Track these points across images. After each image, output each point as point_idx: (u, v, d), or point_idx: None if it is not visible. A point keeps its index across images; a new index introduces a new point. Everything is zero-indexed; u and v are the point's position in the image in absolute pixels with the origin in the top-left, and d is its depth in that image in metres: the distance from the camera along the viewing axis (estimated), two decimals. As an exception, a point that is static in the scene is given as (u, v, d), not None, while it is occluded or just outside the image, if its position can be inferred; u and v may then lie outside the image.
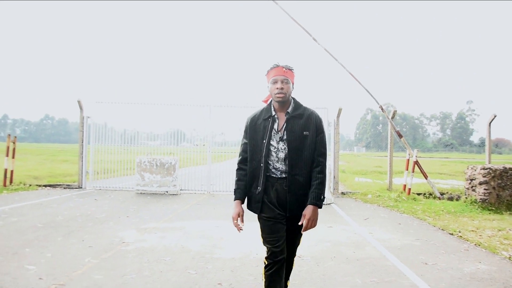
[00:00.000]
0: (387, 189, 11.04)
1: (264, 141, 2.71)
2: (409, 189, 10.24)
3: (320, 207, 2.69)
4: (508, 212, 8.47)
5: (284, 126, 2.72)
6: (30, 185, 11.04)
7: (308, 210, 2.65)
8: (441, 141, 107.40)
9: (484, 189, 8.99)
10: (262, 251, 4.78)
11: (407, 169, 10.65)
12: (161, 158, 10.47)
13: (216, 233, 5.84)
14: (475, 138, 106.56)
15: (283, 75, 2.72)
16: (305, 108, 2.81)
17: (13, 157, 10.89)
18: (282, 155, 2.70)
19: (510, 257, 4.93)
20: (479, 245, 5.54)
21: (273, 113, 2.77)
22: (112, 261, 4.30)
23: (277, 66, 2.76)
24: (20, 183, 11.15)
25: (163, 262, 4.33)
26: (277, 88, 2.70)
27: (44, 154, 31.82)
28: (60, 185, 11.37)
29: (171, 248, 4.92)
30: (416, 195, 10.26)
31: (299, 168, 2.67)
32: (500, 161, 41.53)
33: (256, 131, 2.78)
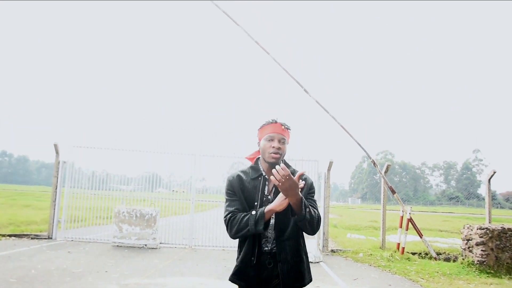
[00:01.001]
0: (380, 248, 11.62)
1: (256, 203, 2.64)
2: (403, 248, 10.85)
3: (300, 210, 2.52)
4: (508, 276, 9.03)
5: (275, 189, 2.65)
6: (-8, 234, 11.35)
7: (297, 183, 2.48)
8: (445, 194, 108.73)
9: (482, 250, 9.62)
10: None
11: (401, 227, 11.30)
12: (141, 209, 10.98)
13: (200, 292, 6.33)
14: (483, 191, 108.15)
15: (281, 134, 2.69)
16: (295, 170, 2.74)
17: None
18: (272, 221, 2.63)
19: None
20: (470, 310, 6.12)
21: (263, 172, 2.73)
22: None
23: (276, 122, 2.73)
24: (-15, 232, 11.47)
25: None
26: (273, 147, 2.65)
27: (2, 197, 31.79)
28: (27, 235, 11.70)
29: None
30: (411, 255, 10.85)
31: (288, 233, 2.62)
32: (510, 217, 42.55)
33: (245, 192, 2.69)
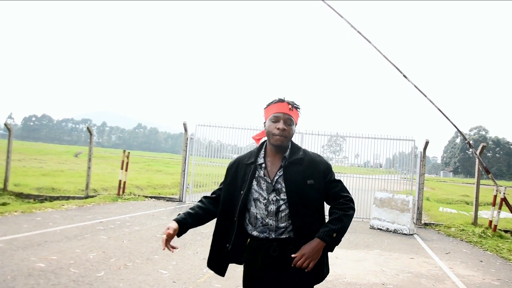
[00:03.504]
0: (472, 223, 11.00)
1: (242, 191, 2.24)
2: (495, 225, 10.16)
3: (329, 247, 2.19)
4: None
5: (280, 174, 2.23)
6: (138, 195, 12.70)
7: (310, 243, 2.15)
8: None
9: None
10: (351, 276, 5.47)
11: (494, 205, 10.56)
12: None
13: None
14: None
15: (288, 114, 2.26)
16: (305, 152, 2.34)
17: (126, 170, 12.63)
18: (273, 207, 2.20)
19: None
20: None
21: (260, 160, 2.31)
22: (226, 273, 5.26)
23: (282, 101, 2.30)
24: (131, 193, 12.86)
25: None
26: (277, 129, 2.23)
27: (139, 163, 34.97)
28: (163, 197, 12.93)
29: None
30: (503, 232, 10.14)
31: (301, 224, 2.19)
32: None
33: (235, 178, 2.34)
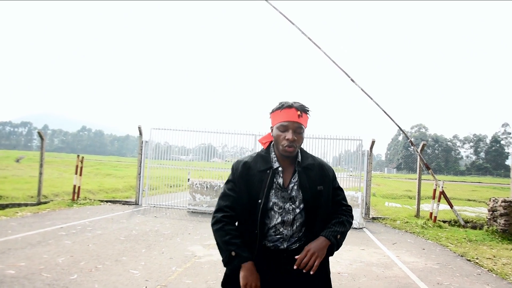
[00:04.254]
0: (415, 216, 11.97)
1: (260, 201, 2.07)
2: (435, 217, 11.16)
3: (333, 247, 2.11)
4: (527, 243, 9.27)
5: (295, 181, 2.14)
6: (93, 200, 12.59)
7: (316, 241, 2.07)
8: (475, 165, 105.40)
9: (505, 220, 9.83)
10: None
11: (434, 198, 11.57)
12: (211, 181, 11.83)
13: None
14: (510, 162, 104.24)
15: (297, 121, 2.09)
16: (313, 157, 2.27)
17: (80, 175, 12.48)
18: (290, 217, 2.10)
19: (517, 283, 5.89)
20: (491, 271, 6.50)
21: (275, 164, 2.15)
22: (193, 270, 5.58)
23: (290, 107, 2.10)
24: (85, 198, 12.72)
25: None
26: (287, 139, 2.08)
27: (86, 167, 33.97)
28: (119, 201, 12.89)
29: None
30: (442, 223, 11.17)
31: (314, 231, 2.13)
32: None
33: (249, 185, 2.12)
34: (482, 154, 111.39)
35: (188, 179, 13.41)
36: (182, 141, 13.12)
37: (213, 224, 2.13)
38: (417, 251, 7.82)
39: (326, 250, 2.08)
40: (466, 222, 11.67)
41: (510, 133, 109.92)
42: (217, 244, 2.12)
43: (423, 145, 12.05)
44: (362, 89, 10.47)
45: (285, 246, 2.10)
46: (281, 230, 2.10)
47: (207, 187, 11.72)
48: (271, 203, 2.09)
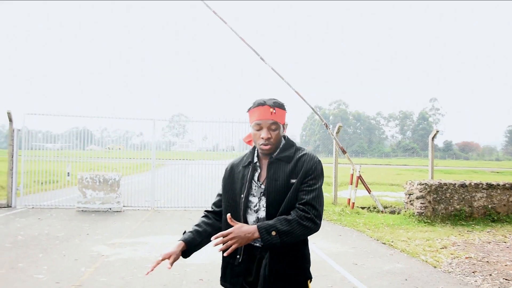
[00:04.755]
0: (332, 203, 13.85)
1: (242, 195, 2.55)
2: (353, 203, 13.11)
3: (262, 237, 2.35)
4: (441, 224, 11.45)
5: (268, 176, 2.53)
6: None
7: (246, 227, 2.40)
8: (401, 145, 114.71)
9: (421, 203, 11.98)
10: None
11: (351, 184, 13.51)
12: (105, 174, 12.51)
13: (179, 247, 8.15)
14: (439, 142, 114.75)
15: (270, 119, 2.50)
16: (297, 149, 2.60)
17: None
18: (263, 214, 2.50)
19: (425, 260, 7.69)
20: (403, 251, 8.30)
21: (255, 159, 2.63)
22: (105, 269, 6.50)
23: (263, 104, 2.52)
24: None
25: (147, 267, 6.56)
26: (262, 138, 2.50)
27: None
28: (-17, 204, 12.98)
29: (147, 258, 7.18)
30: (360, 209, 13.15)
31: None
32: (465, 169, 46.66)
33: (234, 182, 2.66)
34: (409, 133, 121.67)
35: (68, 173, 13.90)
36: (47, 126, 13.40)
37: None
38: (333, 237, 9.47)
39: (250, 241, 2.41)
40: (385, 207, 13.81)
41: (438, 109, 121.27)
42: None
43: (339, 128, 13.91)
44: (272, 68, 11.87)
45: (259, 244, 2.50)
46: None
47: (99, 181, 12.38)
48: (248, 201, 2.57)
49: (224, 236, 2.36)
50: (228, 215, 2.42)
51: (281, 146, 2.59)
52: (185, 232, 2.68)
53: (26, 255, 7.21)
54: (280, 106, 2.56)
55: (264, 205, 2.50)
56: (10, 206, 12.84)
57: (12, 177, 12.90)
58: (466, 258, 7.96)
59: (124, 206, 12.86)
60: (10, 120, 12.85)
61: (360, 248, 8.53)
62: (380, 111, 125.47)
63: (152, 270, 2.51)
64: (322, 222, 9.09)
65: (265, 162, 2.61)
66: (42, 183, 13.59)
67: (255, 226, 2.37)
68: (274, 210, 2.46)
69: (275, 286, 2.45)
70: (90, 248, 7.78)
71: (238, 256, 2.55)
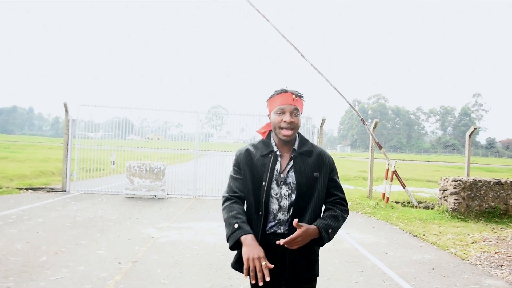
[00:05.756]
0: (367, 197, 14.31)
1: (264, 183, 2.67)
2: (387, 197, 13.54)
3: (321, 241, 2.63)
4: (474, 221, 11.77)
5: (290, 166, 2.71)
6: (11, 188, 13.63)
7: (309, 228, 2.54)
8: (441, 141, 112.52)
9: (455, 199, 12.31)
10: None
11: (386, 178, 13.93)
12: (151, 163, 13.36)
13: (222, 231, 8.82)
14: (481, 139, 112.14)
15: (293, 104, 2.68)
16: (313, 145, 2.82)
17: (-7, 159, 13.44)
18: (286, 203, 2.68)
19: (454, 253, 8.13)
20: (434, 244, 8.75)
21: (275, 148, 2.77)
22: (156, 248, 7.24)
23: (286, 91, 2.71)
24: (-1, 185, 13.73)
25: (194, 249, 7.31)
26: (284, 122, 2.65)
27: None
28: (41, 188, 14.04)
29: (193, 240, 7.90)
30: (394, 203, 13.58)
31: (305, 218, 2.65)
32: (508, 167, 45.84)
33: (253, 170, 2.74)
34: (450, 129, 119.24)
35: (113, 161, 14.83)
36: (89, 115, 14.28)
37: (222, 203, 2.78)
38: (367, 229, 9.98)
39: (314, 241, 2.62)
40: (419, 202, 14.18)
41: (482, 105, 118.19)
42: (224, 220, 2.69)
43: (376, 123, 14.32)
44: (312, 65, 12.40)
45: (282, 230, 2.69)
46: (278, 215, 2.68)
47: (146, 170, 13.23)
48: (270, 188, 2.70)
49: (294, 239, 2.49)
50: (295, 220, 2.50)
51: (298, 139, 2.81)
52: (236, 223, 2.61)
53: (86, 234, 8.04)
54: (300, 96, 2.77)
55: (286, 194, 2.68)
56: (65, 191, 13.86)
57: (66, 164, 13.89)
58: (496, 253, 8.33)
59: (168, 194, 13.68)
60: (66, 110, 13.82)
61: (391, 239, 9.02)
62: (420, 106, 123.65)
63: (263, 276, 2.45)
64: (356, 214, 9.84)
65: (283, 151, 2.79)
66: (89, 170, 14.53)
67: (315, 227, 2.57)
68: (303, 202, 2.67)
69: (298, 277, 2.70)
70: (141, 230, 8.57)
71: None
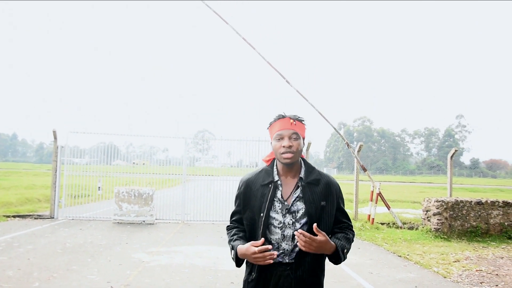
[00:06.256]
0: (353, 219, 14.58)
1: (262, 214, 2.66)
2: (373, 219, 13.83)
3: (335, 259, 2.68)
4: (457, 240, 12.08)
5: (298, 195, 2.68)
6: (-2, 215, 13.70)
7: (328, 242, 2.55)
8: (426, 162, 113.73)
9: (438, 219, 12.64)
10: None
11: (371, 200, 14.25)
12: (139, 188, 13.53)
13: (211, 254, 9.04)
14: (465, 159, 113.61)
15: (291, 129, 2.69)
16: (320, 173, 2.81)
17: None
18: (290, 232, 2.63)
19: (437, 271, 8.40)
20: (417, 263, 9.02)
21: (275, 177, 2.74)
22: (147, 272, 7.42)
23: (283, 117, 2.73)
24: (-15, 213, 13.78)
25: (184, 272, 7.50)
26: (283, 147, 2.65)
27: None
28: (29, 215, 14.12)
29: (183, 264, 8.08)
30: (380, 225, 13.88)
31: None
32: (492, 187, 46.52)
33: (251, 200, 2.76)
34: (435, 150, 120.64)
35: (99, 187, 14.99)
36: (74, 141, 14.47)
37: (227, 231, 2.94)
38: (352, 250, 10.10)
39: (331, 257, 2.69)
40: (404, 223, 14.48)
41: (465, 126, 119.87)
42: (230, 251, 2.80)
43: (360, 146, 14.69)
44: (297, 91, 12.77)
45: (288, 260, 2.64)
46: (282, 245, 2.64)
47: (134, 195, 13.40)
48: (270, 218, 2.66)
49: (310, 238, 2.47)
50: (315, 225, 2.50)
51: (304, 167, 2.79)
52: (232, 246, 2.76)
53: (77, 260, 8.18)
54: (300, 120, 2.77)
55: (290, 223, 2.63)
56: (53, 217, 13.95)
57: (55, 191, 14.01)
58: (477, 270, 8.62)
59: (156, 219, 13.83)
60: (55, 137, 14.00)
61: (376, 259, 9.28)
62: (405, 128, 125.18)
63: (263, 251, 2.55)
64: None
65: (287, 180, 2.77)
66: (76, 196, 14.64)
67: (334, 245, 2.59)
68: (311, 231, 2.56)
69: None
70: (131, 255, 8.73)
71: (253, 274, 2.68)
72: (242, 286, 2.81)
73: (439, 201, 12.68)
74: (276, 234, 2.64)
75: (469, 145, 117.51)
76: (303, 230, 2.55)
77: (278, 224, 2.64)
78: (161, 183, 16.02)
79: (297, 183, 2.73)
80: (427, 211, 13.06)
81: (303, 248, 2.48)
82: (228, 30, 12.33)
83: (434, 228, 12.54)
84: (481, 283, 7.64)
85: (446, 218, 12.56)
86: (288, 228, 2.62)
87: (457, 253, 10.14)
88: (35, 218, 13.86)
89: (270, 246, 2.55)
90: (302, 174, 2.74)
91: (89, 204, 15.43)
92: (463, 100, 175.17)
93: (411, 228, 14.03)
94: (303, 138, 2.77)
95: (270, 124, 2.79)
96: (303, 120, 2.79)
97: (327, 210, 2.69)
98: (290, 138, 2.66)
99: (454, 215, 12.59)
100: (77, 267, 7.67)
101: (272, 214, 2.66)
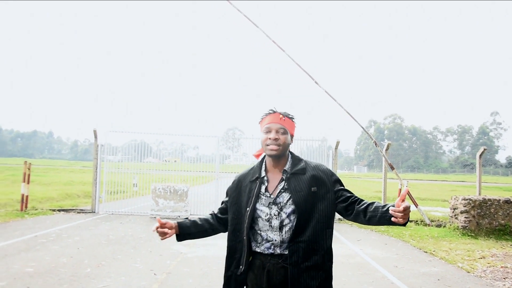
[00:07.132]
0: (382, 216, 14.96)
1: (248, 208, 2.75)
2: (401, 216, 14.17)
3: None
4: (484, 238, 12.34)
5: (282, 187, 2.74)
6: (46, 209, 14.60)
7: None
8: (459, 160, 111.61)
9: (465, 217, 12.92)
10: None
11: (399, 198, 14.58)
12: (175, 185, 14.25)
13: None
14: (501, 157, 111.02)
15: (279, 123, 2.77)
16: (306, 162, 2.85)
17: (28, 183, 14.41)
18: (276, 222, 2.69)
19: (461, 267, 8.78)
20: (442, 259, 9.40)
21: (262, 173, 2.83)
22: (186, 262, 8.05)
23: (273, 112, 2.82)
24: (33, 207, 14.69)
25: (219, 263, 8.08)
26: (269, 139, 2.73)
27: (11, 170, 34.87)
28: (72, 209, 15.01)
29: (218, 256, 8.69)
30: (408, 222, 14.19)
31: (305, 235, 2.64)
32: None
33: (240, 195, 2.87)
34: (468, 148, 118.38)
35: (135, 184, 15.75)
36: (107, 138, 15.11)
37: None
38: (379, 245, 10.67)
39: (321, 242, 2.70)
40: (432, 221, 14.78)
41: (500, 123, 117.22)
42: None
43: (388, 145, 15.05)
44: (326, 91, 13.21)
45: (279, 252, 2.69)
46: (271, 236, 2.70)
47: (170, 192, 14.11)
48: (258, 210, 2.75)
49: (405, 209, 2.53)
50: (406, 188, 2.58)
51: (290, 160, 2.85)
52: (187, 218, 3.03)
53: (121, 250, 8.89)
54: (289, 116, 2.85)
55: (276, 214, 2.70)
56: (94, 212, 14.80)
57: (96, 187, 14.84)
58: (502, 267, 8.94)
59: (190, 214, 14.51)
60: (95, 136, 14.82)
61: (402, 254, 9.71)
62: (437, 126, 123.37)
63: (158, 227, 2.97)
64: (370, 232, 10.72)
65: (273, 174, 2.84)
66: (112, 192, 15.47)
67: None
68: (304, 220, 2.66)
69: None
70: (170, 247, 9.38)
71: (241, 267, 2.74)
72: (223, 283, 2.86)
73: (466, 199, 12.95)
74: (264, 226, 2.73)
75: (505, 143, 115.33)
76: (291, 219, 2.68)
77: (265, 216, 2.72)
78: (194, 180, 16.67)
79: (282, 176, 2.82)
80: (454, 209, 13.35)
81: (402, 221, 2.54)
82: (259, 31, 12.89)
83: (462, 226, 12.82)
84: (504, 278, 7.97)
85: (473, 216, 12.83)
86: (275, 218, 2.69)
87: (484, 250, 10.42)
88: (77, 212, 14.73)
89: (159, 223, 2.92)
90: (287, 167, 2.82)
91: (126, 200, 16.26)
92: (498, 97, 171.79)
93: (439, 226, 14.32)
94: (292, 136, 2.86)
95: (261, 118, 2.89)
96: (293, 118, 2.89)
97: (320, 194, 2.71)
98: (277, 132, 2.76)
99: (482, 213, 12.84)
100: (121, 256, 8.36)
101: (259, 207, 2.75)
